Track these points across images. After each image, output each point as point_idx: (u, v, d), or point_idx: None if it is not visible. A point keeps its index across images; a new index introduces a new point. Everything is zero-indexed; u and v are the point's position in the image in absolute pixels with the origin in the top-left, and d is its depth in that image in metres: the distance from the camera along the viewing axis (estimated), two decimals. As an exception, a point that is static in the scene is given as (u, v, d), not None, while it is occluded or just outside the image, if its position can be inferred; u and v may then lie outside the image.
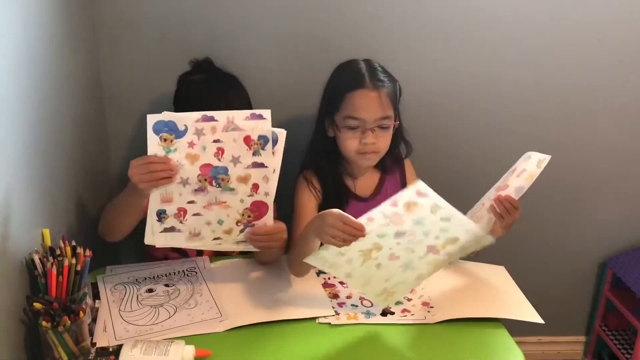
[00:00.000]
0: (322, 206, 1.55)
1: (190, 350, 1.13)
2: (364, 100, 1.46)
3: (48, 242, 1.18)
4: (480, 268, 1.49)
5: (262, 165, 1.30)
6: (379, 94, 1.47)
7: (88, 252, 1.17)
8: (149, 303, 1.32)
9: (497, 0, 1.74)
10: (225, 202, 1.31)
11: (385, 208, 1.17)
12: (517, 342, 1.25)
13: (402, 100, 1.57)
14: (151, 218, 1.31)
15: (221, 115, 1.26)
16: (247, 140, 1.27)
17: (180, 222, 1.32)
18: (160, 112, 1.24)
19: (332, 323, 1.28)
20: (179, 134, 1.25)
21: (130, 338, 1.18)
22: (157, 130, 1.24)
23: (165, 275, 1.43)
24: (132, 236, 1.44)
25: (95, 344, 1.18)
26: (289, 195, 1.56)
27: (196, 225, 1.33)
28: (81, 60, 1.58)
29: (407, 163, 1.68)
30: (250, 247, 1.38)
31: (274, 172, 1.31)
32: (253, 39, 1.72)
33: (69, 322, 1.09)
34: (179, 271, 1.44)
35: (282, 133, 1.30)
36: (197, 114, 1.25)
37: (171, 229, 1.33)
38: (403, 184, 1.66)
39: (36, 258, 1.12)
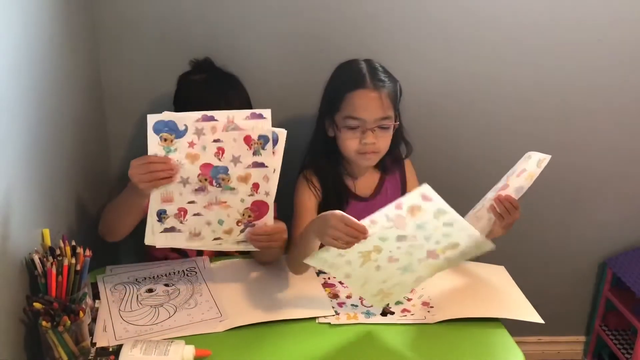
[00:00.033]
0: (322, 206, 1.55)
1: (190, 350, 1.13)
2: (364, 100, 1.46)
3: (48, 242, 1.18)
4: (480, 268, 1.49)
5: (262, 165, 1.30)
6: (380, 94, 1.47)
7: (88, 252, 1.17)
8: (148, 303, 1.32)
9: (497, 0, 1.74)
10: (225, 202, 1.31)
11: (389, 210, 1.16)
12: (517, 342, 1.25)
13: (402, 101, 1.57)
14: (151, 218, 1.31)
15: (221, 115, 1.26)
16: (247, 139, 1.27)
17: (181, 222, 1.32)
18: (161, 112, 1.24)
19: (332, 323, 1.28)
20: (179, 134, 1.25)
21: (130, 338, 1.18)
22: (157, 130, 1.24)
23: (165, 275, 1.43)
24: (132, 236, 1.44)
25: (95, 344, 1.18)
26: (289, 195, 1.56)
27: (196, 225, 1.33)
28: (81, 60, 1.58)
29: (407, 163, 1.68)
30: (250, 247, 1.38)
31: (274, 171, 1.31)
32: (253, 39, 1.72)
33: (69, 322, 1.09)
34: (178, 271, 1.44)
35: (282, 133, 1.30)
36: (197, 114, 1.25)
37: (171, 229, 1.32)
38: (403, 184, 1.66)
39: (36, 258, 1.12)
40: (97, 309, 1.28)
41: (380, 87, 1.47)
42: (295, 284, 1.40)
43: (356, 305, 1.34)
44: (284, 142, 1.30)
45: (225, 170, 1.29)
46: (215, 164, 1.28)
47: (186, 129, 1.25)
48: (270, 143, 1.29)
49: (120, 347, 1.14)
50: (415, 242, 1.19)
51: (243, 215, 1.34)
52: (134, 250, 1.68)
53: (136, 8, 1.66)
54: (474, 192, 1.51)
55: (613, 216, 2.06)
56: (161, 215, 1.30)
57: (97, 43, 1.68)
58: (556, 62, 1.82)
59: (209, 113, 1.25)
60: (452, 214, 1.16)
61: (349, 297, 1.37)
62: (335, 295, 1.37)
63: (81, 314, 1.11)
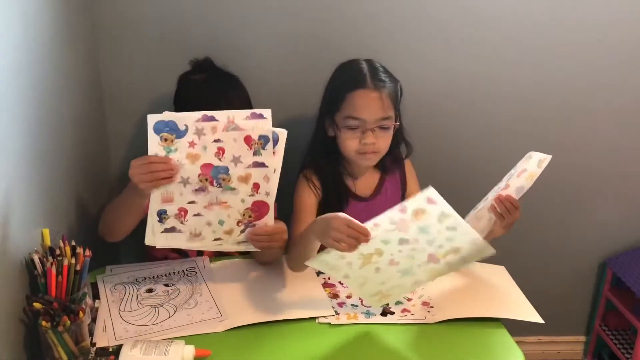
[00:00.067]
0: (322, 205, 1.55)
1: (190, 350, 1.13)
2: (364, 100, 1.46)
3: (48, 242, 1.18)
4: (480, 268, 1.49)
5: (262, 164, 1.30)
6: (380, 95, 1.47)
7: (88, 252, 1.17)
8: (148, 303, 1.32)
9: (497, 0, 1.74)
10: (226, 202, 1.31)
11: (393, 214, 1.16)
12: (517, 342, 1.25)
13: (402, 101, 1.57)
14: (152, 218, 1.31)
15: (221, 115, 1.26)
16: (247, 139, 1.27)
17: (181, 222, 1.32)
18: (161, 112, 1.24)
19: (332, 323, 1.28)
20: (180, 134, 1.25)
21: (130, 338, 1.18)
22: (157, 130, 1.24)
23: (165, 275, 1.43)
24: (132, 236, 1.44)
25: (95, 343, 1.18)
26: (289, 195, 1.56)
27: (197, 225, 1.33)
28: (81, 60, 1.58)
29: (407, 163, 1.68)
30: (251, 247, 1.38)
31: (274, 171, 1.31)
32: (253, 39, 1.72)
33: (69, 322, 1.09)
34: (178, 271, 1.44)
35: (282, 133, 1.30)
36: (198, 114, 1.25)
37: (172, 230, 1.32)
38: (403, 184, 1.66)
39: (36, 258, 1.12)
40: (97, 309, 1.28)
41: (380, 87, 1.47)
42: (295, 284, 1.40)
43: (356, 305, 1.34)
44: (285, 142, 1.30)
45: (226, 170, 1.29)
46: (215, 164, 1.28)
47: (186, 129, 1.25)
48: (271, 143, 1.29)
49: (120, 347, 1.14)
50: (417, 246, 1.19)
51: (243, 215, 1.33)
52: (134, 250, 1.68)
53: (136, 8, 1.66)
54: (474, 192, 1.52)
55: (613, 216, 2.06)
56: (161, 215, 1.30)
57: (97, 43, 1.68)
58: (556, 62, 1.82)
59: (210, 113, 1.25)
60: (455, 217, 1.15)
61: (349, 297, 1.37)
62: (335, 295, 1.37)
63: (81, 314, 1.11)
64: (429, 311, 1.33)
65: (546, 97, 1.87)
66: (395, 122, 1.51)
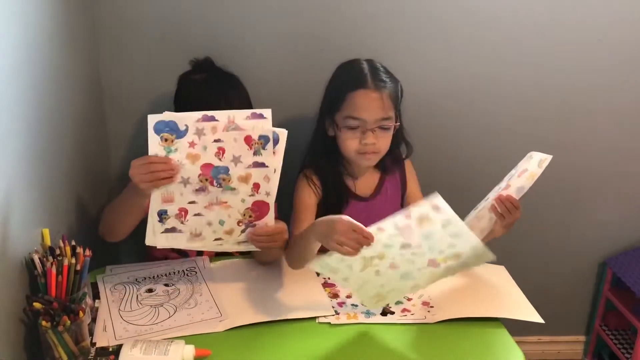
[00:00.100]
0: (322, 205, 1.55)
1: (190, 350, 1.13)
2: (365, 101, 1.46)
3: (48, 242, 1.18)
4: (480, 268, 1.49)
5: (262, 164, 1.30)
6: (381, 95, 1.46)
7: (88, 252, 1.17)
8: (148, 303, 1.32)
9: (497, 0, 1.74)
10: (226, 202, 1.31)
11: (398, 219, 1.15)
12: (517, 342, 1.25)
13: (402, 101, 1.57)
14: (152, 219, 1.31)
15: (222, 115, 1.26)
16: (247, 139, 1.27)
17: (182, 222, 1.32)
18: (161, 112, 1.24)
19: (332, 323, 1.28)
20: (180, 134, 1.25)
21: (130, 338, 1.18)
22: (158, 130, 1.24)
23: (165, 275, 1.43)
24: (132, 236, 1.44)
25: (95, 343, 1.18)
26: (289, 195, 1.56)
27: (197, 225, 1.33)
28: (81, 60, 1.58)
29: (408, 163, 1.68)
30: (251, 247, 1.38)
31: (274, 171, 1.31)
32: (253, 39, 1.72)
33: (69, 321, 1.09)
34: (178, 271, 1.44)
35: (283, 133, 1.29)
36: (198, 114, 1.25)
37: (172, 230, 1.32)
38: (403, 184, 1.66)
39: (36, 258, 1.12)
40: (97, 309, 1.28)
41: (381, 88, 1.47)
42: (295, 284, 1.40)
43: (356, 305, 1.34)
44: (285, 142, 1.30)
45: (226, 170, 1.29)
46: (215, 164, 1.28)
47: (187, 129, 1.25)
48: (271, 143, 1.29)
49: (120, 346, 1.14)
50: (419, 251, 1.18)
51: (244, 215, 1.33)
52: (134, 250, 1.68)
53: (136, 8, 1.66)
54: (474, 192, 1.52)
55: (613, 216, 2.06)
56: (162, 215, 1.30)
57: (97, 43, 1.68)
58: (556, 62, 1.82)
59: (210, 113, 1.25)
60: (459, 225, 1.15)
61: (349, 297, 1.37)
62: (335, 295, 1.37)
63: (81, 313, 1.11)
64: (429, 311, 1.33)
65: (546, 97, 1.87)
66: (396, 122, 1.51)
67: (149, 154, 1.25)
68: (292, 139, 1.33)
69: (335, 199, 1.56)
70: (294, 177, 1.58)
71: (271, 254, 1.45)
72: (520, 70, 1.82)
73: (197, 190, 1.29)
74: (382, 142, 1.50)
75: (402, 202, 1.67)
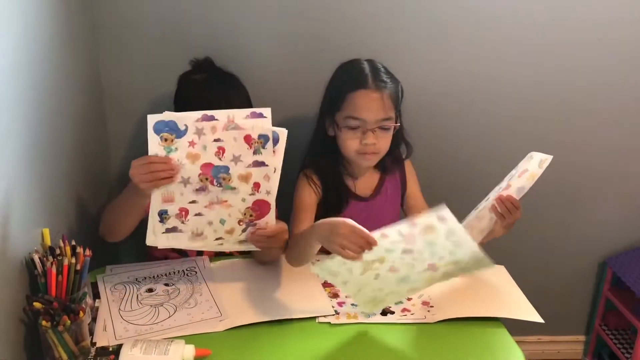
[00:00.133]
0: (322, 205, 1.55)
1: (190, 349, 1.13)
2: (365, 101, 1.46)
3: (48, 242, 1.18)
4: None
5: (263, 164, 1.30)
6: (381, 95, 1.46)
7: (88, 252, 1.17)
8: (148, 302, 1.32)
9: (497, 0, 1.74)
10: (226, 202, 1.31)
11: (402, 227, 1.15)
12: (517, 342, 1.25)
13: (402, 101, 1.57)
14: (153, 219, 1.31)
15: (221, 115, 1.26)
16: (247, 139, 1.27)
17: (182, 222, 1.32)
18: (161, 112, 1.24)
19: (332, 322, 1.28)
20: (180, 134, 1.25)
21: (130, 337, 1.18)
22: (157, 130, 1.24)
23: (165, 274, 1.43)
24: (133, 236, 1.44)
25: (95, 343, 1.18)
26: (289, 195, 1.56)
27: (198, 225, 1.33)
28: (81, 60, 1.58)
29: (408, 163, 1.67)
30: (252, 247, 1.38)
31: (275, 171, 1.31)
32: (253, 39, 1.72)
33: (69, 321, 1.09)
34: (178, 271, 1.44)
35: (283, 132, 1.29)
36: (198, 114, 1.25)
37: (173, 230, 1.32)
38: (403, 185, 1.66)
39: (36, 257, 1.12)
40: (97, 309, 1.28)
41: (382, 88, 1.47)
42: (295, 284, 1.40)
43: (356, 305, 1.34)
44: (285, 142, 1.30)
45: (226, 169, 1.29)
46: (215, 164, 1.28)
47: (186, 129, 1.25)
48: (271, 142, 1.29)
49: (120, 346, 1.14)
50: (420, 256, 1.18)
51: (244, 214, 1.33)
52: (134, 250, 1.69)
53: (136, 8, 1.66)
54: (474, 192, 1.52)
55: (613, 216, 2.06)
56: (162, 215, 1.30)
57: (97, 43, 1.68)
58: (556, 62, 1.82)
59: (209, 112, 1.25)
60: (463, 235, 1.15)
61: (348, 296, 1.37)
62: (335, 295, 1.37)
63: (81, 313, 1.11)
64: (429, 311, 1.33)
65: (546, 97, 1.87)
66: (396, 122, 1.51)
67: (149, 153, 1.25)
68: (292, 139, 1.33)
69: (335, 199, 1.56)
70: (294, 177, 1.58)
71: (271, 254, 1.45)
72: (520, 70, 1.82)
73: (197, 189, 1.29)
74: (382, 143, 1.50)
75: (402, 202, 1.67)
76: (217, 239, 1.36)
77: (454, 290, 1.40)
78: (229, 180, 1.29)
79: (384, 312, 1.32)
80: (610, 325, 2.14)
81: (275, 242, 1.38)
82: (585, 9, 1.76)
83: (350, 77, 1.51)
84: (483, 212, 1.40)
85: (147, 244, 1.33)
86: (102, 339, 1.19)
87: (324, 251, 1.26)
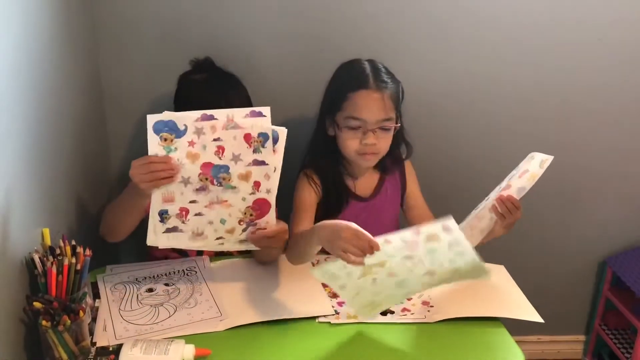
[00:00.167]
0: (322, 205, 1.55)
1: (190, 349, 1.13)
2: (366, 101, 1.46)
3: (48, 242, 1.18)
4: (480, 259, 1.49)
5: (262, 162, 1.30)
6: (382, 95, 1.46)
7: (88, 252, 1.17)
8: (148, 302, 1.32)
9: (497, 0, 1.74)
10: (227, 201, 1.31)
11: (406, 234, 1.15)
12: (517, 342, 1.25)
13: (403, 101, 1.57)
14: (153, 219, 1.30)
15: (221, 114, 1.26)
16: (247, 137, 1.27)
17: (183, 222, 1.32)
18: (161, 112, 1.24)
19: (332, 322, 1.28)
20: (179, 134, 1.25)
21: (130, 337, 1.18)
22: (157, 130, 1.24)
23: (165, 274, 1.43)
24: (133, 236, 1.44)
25: (95, 343, 1.18)
26: (290, 195, 1.56)
27: (199, 225, 1.33)
28: (81, 60, 1.58)
29: (408, 164, 1.67)
30: (252, 246, 1.38)
31: (275, 170, 1.31)
32: (253, 39, 1.72)
33: (69, 321, 1.09)
34: (178, 270, 1.44)
35: (282, 131, 1.29)
36: (197, 113, 1.25)
37: (174, 229, 1.32)
38: (403, 185, 1.66)
39: (36, 257, 1.12)
40: (97, 309, 1.28)
41: (383, 88, 1.47)
42: (295, 284, 1.40)
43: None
44: (285, 141, 1.30)
45: (226, 169, 1.29)
46: (215, 163, 1.28)
47: (186, 129, 1.25)
48: (270, 141, 1.29)
49: (120, 346, 1.14)
50: (420, 262, 1.18)
51: (245, 214, 1.33)
52: (134, 250, 1.69)
53: (136, 8, 1.66)
54: (474, 192, 1.52)
55: (613, 216, 2.06)
56: (163, 215, 1.30)
57: (97, 43, 1.68)
58: (556, 62, 1.82)
59: (209, 112, 1.25)
60: (466, 246, 1.15)
61: (345, 301, 1.36)
62: (335, 295, 1.37)
63: (81, 313, 1.11)
64: (428, 310, 1.33)
65: (546, 97, 1.87)
66: (396, 123, 1.51)
67: (149, 153, 1.25)
68: (292, 138, 1.33)
69: (335, 198, 1.56)
70: (294, 177, 1.58)
71: (271, 254, 1.45)
72: (520, 70, 1.82)
73: (197, 189, 1.29)
74: (383, 143, 1.50)
75: (402, 202, 1.67)
76: (217, 239, 1.36)
77: (454, 290, 1.40)
78: (229, 179, 1.29)
79: (384, 312, 1.32)
80: (610, 325, 2.14)
81: (276, 242, 1.38)
82: (585, 9, 1.76)
83: (351, 77, 1.51)
84: (483, 212, 1.40)
85: (148, 244, 1.33)
86: (102, 339, 1.19)
87: (324, 251, 1.26)
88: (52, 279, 1.11)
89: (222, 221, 1.33)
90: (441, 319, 1.30)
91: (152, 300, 1.32)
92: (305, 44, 1.74)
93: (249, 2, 1.68)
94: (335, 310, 1.32)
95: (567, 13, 1.77)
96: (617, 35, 1.80)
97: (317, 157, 1.58)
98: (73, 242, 1.18)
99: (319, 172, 1.57)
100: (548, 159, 1.33)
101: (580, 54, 1.82)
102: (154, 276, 1.42)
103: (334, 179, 1.57)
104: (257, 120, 1.27)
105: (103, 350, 1.16)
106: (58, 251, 1.16)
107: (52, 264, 1.11)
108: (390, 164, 1.62)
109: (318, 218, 1.53)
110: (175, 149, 1.25)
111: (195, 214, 1.32)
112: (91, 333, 1.19)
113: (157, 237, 1.32)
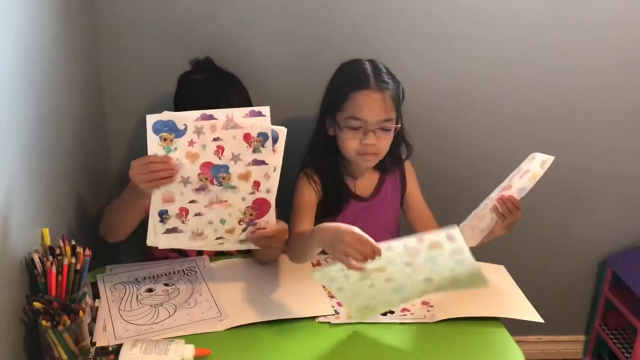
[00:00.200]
0: (322, 204, 1.55)
1: (190, 349, 1.13)
2: (367, 101, 1.46)
3: (48, 242, 1.18)
4: (480, 267, 1.49)
5: (262, 162, 1.30)
6: (383, 96, 1.46)
7: (87, 252, 1.17)
8: (148, 302, 1.32)
9: (497, 0, 1.74)
10: (226, 201, 1.31)
11: (409, 241, 1.15)
12: (517, 342, 1.25)
13: (403, 102, 1.57)
14: (153, 219, 1.30)
15: (220, 114, 1.26)
16: (246, 137, 1.27)
17: (183, 222, 1.32)
18: (161, 112, 1.24)
19: (332, 322, 1.28)
20: (179, 133, 1.25)
21: (130, 337, 1.18)
22: (156, 130, 1.24)
23: (165, 274, 1.43)
24: (133, 236, 1.44)
25: (95, 343, 1.18)
26: (290, 195, 1.56)
27: (198, 225, 1.33)
28: (81, 60, 1.58)
29: (407, 164, 1.67)
30: (252, 246, 1.38)
31: (274, 169, 1.31)
32: (253, 39, 1.72)
33: (69, 321, 1.09)
34: (178, 270, 1.44)
35: (282, 131, 1.29)
36: (196, 113, 1.25)
37: (174, 230, 1.32)
38: (403, 185, 1.66)
39: (36, 257, 1.12)
40: (97, 309, 1.28)
41: (384, 89, 1.47)
42: (295, 284, 1.40)
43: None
44: (284, 140, 1.30)
45: (226, 168, 1.29)
46: (215, 163, 1.28)
47: (185, 128, 1.25)
48: (270, 140, 1.29)
49: (120, 346, 1.14)
50: (419, 270, 1.18)
51: (245, 213, 1.33)
52: (134, 250, 1.69)
53: (136, 8, 1.66)
54: (474, 192, 1.52)
55: (613, 215, 2.06)
56: (163, 215, 1.30)
57: (97, 43, 1.68)
58: (556, 62, 1.82)
59: (208, 112, 1.25)
60: (467, 254, 1.14)
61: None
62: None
63: (81, 313, 1.11)
64: (428, 310, 1.33)
65: (546, 97, 1.87)
66: (397, 123, 1.50)
67: (148, 153, 1.25)
68: (292, 138, 1.33)
69: (335, 198, 1.56)
70: (294, 177, 1.58)
71: (271, 254, 1.45)
72: (520, 70, 1.82)
73: (197, 189, 1.29)
74: (383, 143, 1.50)
75: (401, 203, 1.67)
76: (217, 239, 1.36)
77: (453, 290, 1.41)
78: (229, 179, 1.29)
79: (384, 312, 1.32)
80: (610, 324, 2.14)
81: (276, 241, 1.38)
82: (585, 9, 1.76)
83: (352, 78, 1.50)
84: (484, 212, 1.40)
85: (148, 244, 1.33)
86: (102, 339, 1.19)
87: (324, 251, 1.26)
88: (52, 279, 1.11)
89: (222, 221, 1.34)
90: (441, 318, 1.30)
91: (152, 300, 1.32)
92: (305, 44, 1.74)
93: (248, 2, 1.68)
94: (335, 310, 1.32)
95: (567, 13, 1.77)
96: (617, 35, 1.80)
97: (317, 157, 1.58)
98: (73, 242, 1.18)
99: (319, 171, 1.57)
100: (549, 159, 1.33)
101: (580, 54, 1.82)
102: (153, 276, 1.42)
103: (334, 178, 1.57)
104: (257, 119, 1.27)
105: (103, 350, 1.16)
106: (58, 251, 1.16)
107: (52, 264, 1.11)
108: (390, 164, 1.62)
109: (318, 218, 1.53)
110: (175, 148, 1.25)
111: (195, 214, 1.32)
112: (91, 333, 1.19)
113: (157, 237, 1.32)
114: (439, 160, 1.91)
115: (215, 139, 1.26)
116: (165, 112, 1.24)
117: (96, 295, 1.33)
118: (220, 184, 1.30)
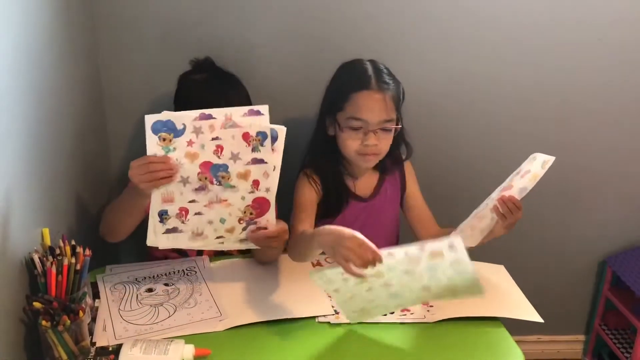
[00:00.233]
0: (322, 204, 1.55)
1: (189, 349, 1.13)
2: (368, 102, 1.46)
3: (48, 242, 1.18)
4: (480, 267, 1.48)
5: (261, 161, 1.29)
6: (384, 96, 1.46)
7: (87, 252, 1.17)
8: (148, 302, 1.32)
9: (497, 0, 1.74)
10: (226, 200, 1.31)
11: (410, 249, 1.14)
12: (517, 341, 1.25)
13: (403, 102, 1.57)
14: (153, 219, 1.30)
15: (219, 113, 1.26)
16: (245, 136, 1.27)
17: (182, 222, 1.32)
18: (160, 112, 1.24)
19: (332, 322, 1.28)
20: (178, 133, 1.25)
21: (130, 337, 1.18)
22: (155, 130, 1.24)
23: (165, 274, 1.43)
24: (133, 236, 1.44)
25: (95, 343, 1.18)
26: (289, 195, 1.56)
27: (198, 224, 1.33)
28: (81, 60, 1.58)
29: (407, 164, 1.67)
30: (252, 245, 1.38)
31: (274, 168, 1.31)
32: (253, 39, 1.72)
33: (69, 321, 1.09)
34: (178, 270, 1.44)
35: (282, 130, 1.29)
36: (195, 113, 1.25)
37: (173, 230, 1.32)
38: (403, 185, 1.66)
39: (36, 257, 1.12)
40: (96, 309, 1.28)
41: (384, 89, 1.47)
42: (295, 284, 1.40)
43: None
44: (284, 139, 1.30)
45: (225, 168, 1.29)
46: (214, 162, 1.28)
47: (184, 128, 1.25)
48: (269, 139, 1.28)
49: (120, 346, 1.14)
50: (418, 278, 1.18)
51: (244, 213, 1.33)
52: (134, 250, 1.69)
53: (136, 8, 1.66)
54: (474, 192, 1.52)
55: (613, 215, 2.06)
56: (163, 216, 1.30)
57: (97, 43, 1.68)
58: (556, 62, 1.82)
59: (207, 111, 1.25)
60: (466, 263, 1.14)
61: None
62: (335, 295, 1.37)
63: (81, 313, 1.11)
64: (428, 310, 1.33)
65: (546, 97, 1.87)
66: (397, 124, 1.50)
67: (147, 154, 1.25)
68: (292, 138, 1.33)
69: (335, 199, 1.56)
70: (294, 177, 1.58)
71: (271, 254, 1.46)
72: (520, 70, 1.82)
73: (197, 189, 1.29)
74: (383, 144, 1.50)
75: (401, 203, 1.67)
76: (217, 238, 1.36)
77: (453, 290, 1.41)
78: (228, 178, 1.29)
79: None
80: (610, 324, 2.14)
81: (276, 241, 1.38)
82: (585, 9, 1.76)
83: (353, 78, 1.50)
84: (484, 212, 1.40)
85: (148, 245, 1.33)
86: (102, 339, 1.19)
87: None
88: (51, 279, 1.11)
89: (222, 220, 1.34)
90: (441, 318, 1.30)
91: (152, 300, 1.33)
92: (305, 44, 1.74)
93: (248, 2, 1.68)
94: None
95: (567, 13, 1.77)
96: (617, 35, 1.80)
97: (317, 157, 1.58)
98: (73, 242, 1.18)
99: (319, 171, 1.57)
100: (550, 159, 1.33)
101: (580, 54, 1.82)
102: (153, 276, 1.42)
103: (334, 179, 1.57)
104: (255, 118, 1.27)
105: (103, 350, 1.16)
106: (58, 251, 1.16)
107: (51, 264, 1.11)
108: (390, 165, 1.62)
109: (318, 218, 1.53)
110: (174, 148, 1.25)
111: (195, 214, 1.32)
112: (91, 333, 1.19)
113: (157, 237, 1.32)
114: (439, 160, 1.91)
115: (214, 139, 1.26)
116: (164, 112, 1.24)
117: (96, 295, 1.33)
118: (220, 184, 1.30)
